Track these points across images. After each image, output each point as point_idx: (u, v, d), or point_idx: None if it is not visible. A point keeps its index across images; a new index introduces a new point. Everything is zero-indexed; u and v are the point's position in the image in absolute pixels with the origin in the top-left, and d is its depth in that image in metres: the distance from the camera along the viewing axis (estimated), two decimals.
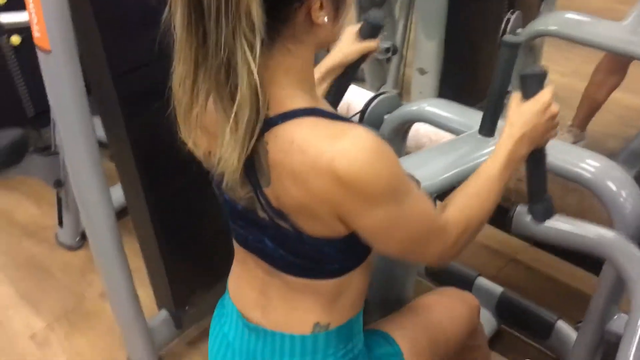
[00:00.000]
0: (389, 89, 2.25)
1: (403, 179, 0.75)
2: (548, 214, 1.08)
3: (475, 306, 1.14)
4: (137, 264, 1.67)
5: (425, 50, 2.25)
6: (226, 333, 0.96)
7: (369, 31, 1.10)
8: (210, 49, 0.68)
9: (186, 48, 0.70)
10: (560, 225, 1.08)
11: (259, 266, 0.89)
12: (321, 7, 0.72)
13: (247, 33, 0.66)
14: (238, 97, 0.68)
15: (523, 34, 1.82)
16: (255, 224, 0.84)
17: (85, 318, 1.91)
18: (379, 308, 1.20)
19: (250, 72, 0.67)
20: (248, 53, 0.66)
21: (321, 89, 1.10)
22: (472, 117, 1.22)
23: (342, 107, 1.21)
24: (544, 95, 0.93)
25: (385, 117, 1.35)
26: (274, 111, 0.73)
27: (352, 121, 0.75)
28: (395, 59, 2.47)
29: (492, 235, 1.89)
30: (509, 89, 1.13)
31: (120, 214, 1.60)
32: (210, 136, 0.79)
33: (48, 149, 1.95)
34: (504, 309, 1.67)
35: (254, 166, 0.76)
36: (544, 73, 0.94)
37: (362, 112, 1.35)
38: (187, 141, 0.79)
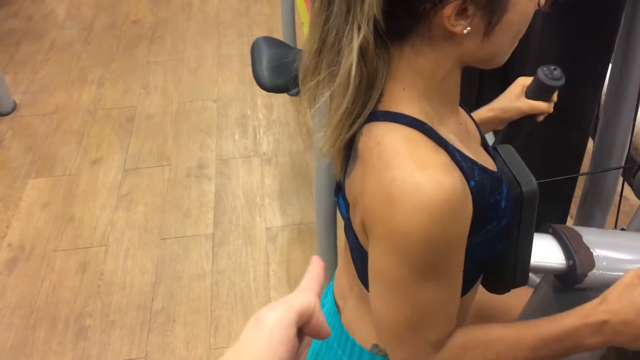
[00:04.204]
0: None
1: (446, 262, 0.63)
2: None
3: None
4: None
5: None
6: (324, 302, 0.93)
7: (537, 90, 0.92)
8: (330, 25, 0.62)
9: (317, 19, 0.64)
10: None
11: (349, 258, 0.82)
12: (461, 14, 0.60)
13: (358, 16, 0.59)
14: (335, 82, 0.63)
15: None
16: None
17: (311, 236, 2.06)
18: None
19: (350, 61, 0.60)
20: (355, 38, 0.60)
21: None
22: None
23: None
24: None
25: None
26: (383, 106, 0.65)
27: (454, 158, 0.64)
28: None
29: None
30: None
31: None
32: None
33: None
34: None
35: (350, 152, 0.69)
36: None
37: None
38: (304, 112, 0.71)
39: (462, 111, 0.79)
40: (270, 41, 1.93)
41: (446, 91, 0.69)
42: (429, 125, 0.66)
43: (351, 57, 0.61)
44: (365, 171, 0.64)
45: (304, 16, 2.93)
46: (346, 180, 0.71)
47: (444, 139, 0.66)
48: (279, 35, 2.61)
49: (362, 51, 0.61)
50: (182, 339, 1.72)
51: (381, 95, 0.66)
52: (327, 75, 0.65)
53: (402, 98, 0.66)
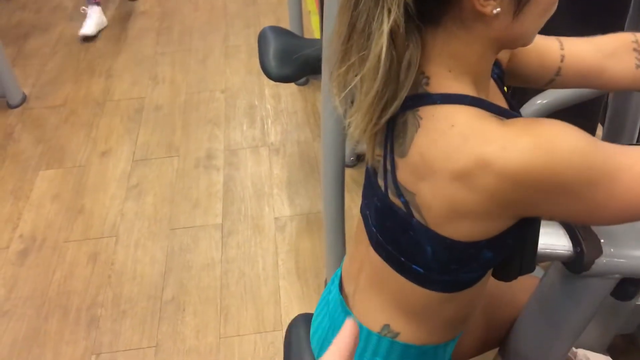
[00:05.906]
0: None
1: (604, 149, 0.63)
2: None
3: None
4: None
5: None
6: (329, 298, 0.93)
7: None
8: (360, 10, 0.63)
9: (346, 4, 0.65)
10: None
11: (364, 239, 0.82)
12: None
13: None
14: (366, 66, 0.63)
15: None
16: (371, 189, 0.77)
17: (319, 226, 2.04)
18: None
19: (380, 45, 0.61)
20: (385, 22, 0.60)
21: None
22: None
23: None
24: None
25: None
26: (435, 89, 0.66)
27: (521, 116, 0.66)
28: None
29: None
30: None
31: None
32: None
33: None
34: None
35: (394, 131, 0.69)
36: None
37: None
38: (333, 99, 0.72)
39: (492, 85, 0.78)
40: (277, 31, 1.93)
41: (481, 73, 0.69)
42: (486, 100, 0.66)
43: (381, 41, 0.61)
44: (454, 160, 0.62)
45: (310, 5, 2.92)
46: (397, 160, 0.69)
47: (504, 108, 0.67)
48: (286, 24, 2.60)
49: (393, 35, 0.61)
50: (192, 328, 1.74)
51: (427, 78, 0.66)
52: (357, 60, 0.65)
53: (452, 79, 0.66)
